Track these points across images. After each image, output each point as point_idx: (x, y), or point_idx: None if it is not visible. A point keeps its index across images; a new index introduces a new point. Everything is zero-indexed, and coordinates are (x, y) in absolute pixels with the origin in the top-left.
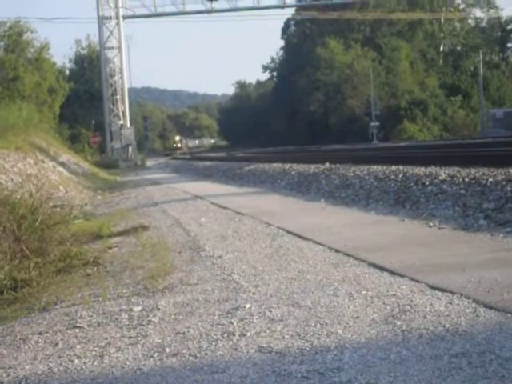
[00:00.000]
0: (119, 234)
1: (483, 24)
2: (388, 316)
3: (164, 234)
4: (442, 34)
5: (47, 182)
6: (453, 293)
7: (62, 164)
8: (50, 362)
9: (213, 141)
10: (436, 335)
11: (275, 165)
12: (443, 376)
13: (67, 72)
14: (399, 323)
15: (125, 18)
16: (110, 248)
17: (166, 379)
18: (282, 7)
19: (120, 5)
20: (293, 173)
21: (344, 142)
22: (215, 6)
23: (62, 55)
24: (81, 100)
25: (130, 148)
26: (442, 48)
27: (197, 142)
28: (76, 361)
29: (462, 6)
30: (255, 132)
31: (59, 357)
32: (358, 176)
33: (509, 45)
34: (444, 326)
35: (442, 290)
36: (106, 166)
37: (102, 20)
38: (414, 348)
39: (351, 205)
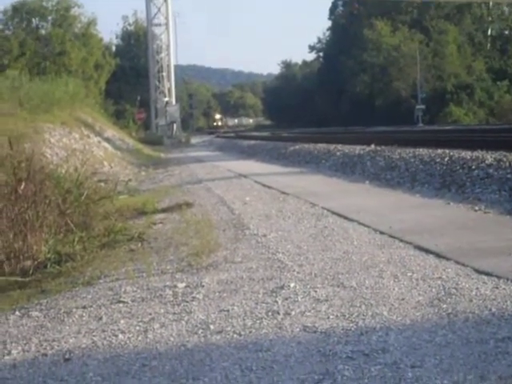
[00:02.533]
0: (163, 210)
1: None
2: (433, 299)
3: (208, 211)
4: (490, 18)
5: (92, 157)
6: (499, 277)
7: (107, 139)
8: (94, 336)
9: (251, 120)
10: (482, 319)
11: (320, 145)
12: (489, 360)
13: (114, 48)
14: (445, 306)
15: None
16: (155, 224)
17: (211, 356)
18: None
19: None
20: (338, 154)
21: (389, 124)
22: None
23: (108, 31)
24: (126, 76)
25: (174, 125)
26: (489, 32)
27: (236, 120)
28: (120, 335)
29: None
30: (300, 112)
31: (103, 331)
32: (404, 158)
33: None
34: (490, 310)
35: (488, 274)
36: (151, 143)
37: None
38: (460, 331)
39: (396, 187)
